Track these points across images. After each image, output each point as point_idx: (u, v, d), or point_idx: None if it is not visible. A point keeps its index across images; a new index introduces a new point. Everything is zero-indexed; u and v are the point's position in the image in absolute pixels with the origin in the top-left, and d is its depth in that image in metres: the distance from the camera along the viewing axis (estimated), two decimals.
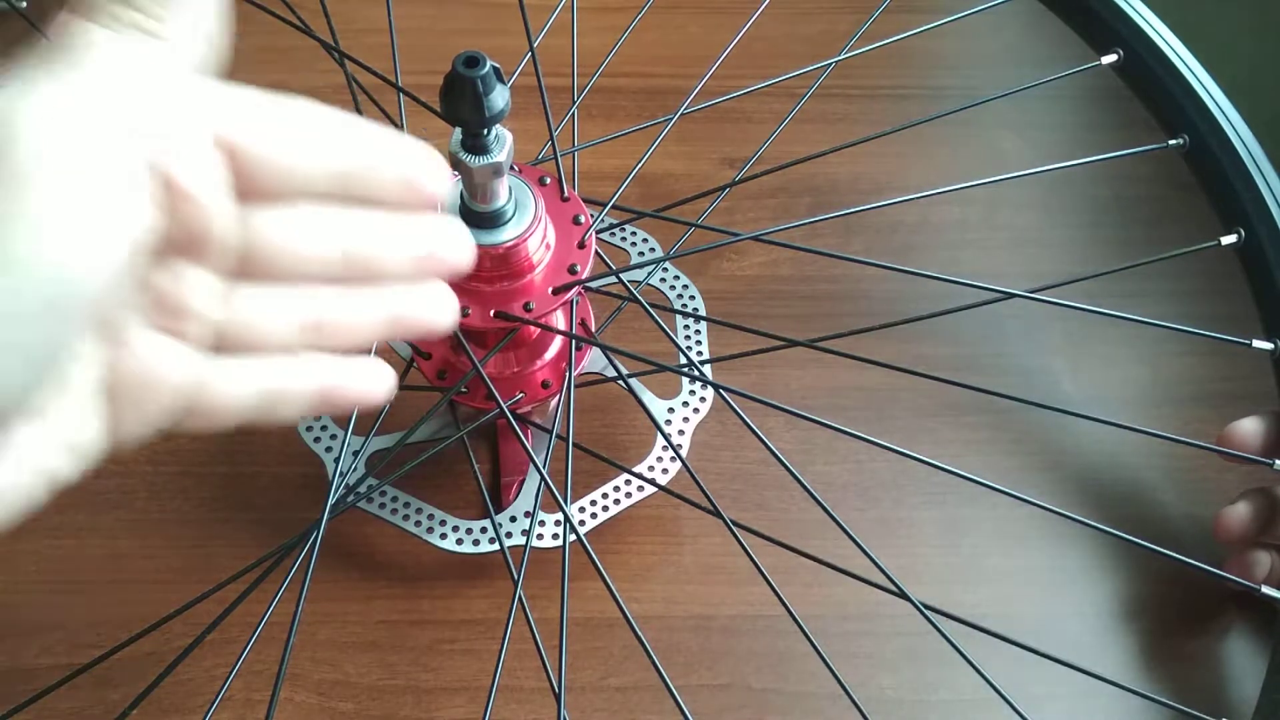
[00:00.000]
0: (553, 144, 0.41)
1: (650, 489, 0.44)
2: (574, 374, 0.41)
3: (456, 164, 0.35)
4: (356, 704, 0.43)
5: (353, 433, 0.39)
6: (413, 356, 0.43)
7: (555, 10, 0.48)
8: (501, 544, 0.41)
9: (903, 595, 0.36)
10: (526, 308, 0.38)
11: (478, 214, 0.37)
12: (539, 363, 0.43)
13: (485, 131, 0.34)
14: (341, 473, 0.42)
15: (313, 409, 0.27)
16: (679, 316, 0.49)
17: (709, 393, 0.47)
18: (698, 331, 0.49)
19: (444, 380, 0.43)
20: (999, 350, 0.54)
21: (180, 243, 0.24)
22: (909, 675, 0.44)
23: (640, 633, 0.35)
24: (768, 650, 0.45)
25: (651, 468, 0.45)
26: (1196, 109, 0.45)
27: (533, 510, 0.43)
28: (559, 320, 0.43)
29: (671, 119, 0.45)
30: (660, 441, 0.45)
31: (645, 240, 0.50)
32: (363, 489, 0.43)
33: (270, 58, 0.67)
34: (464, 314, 0.38)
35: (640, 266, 0.47)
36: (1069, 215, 0.60)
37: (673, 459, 0.45)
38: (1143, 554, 0.43)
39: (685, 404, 0.46)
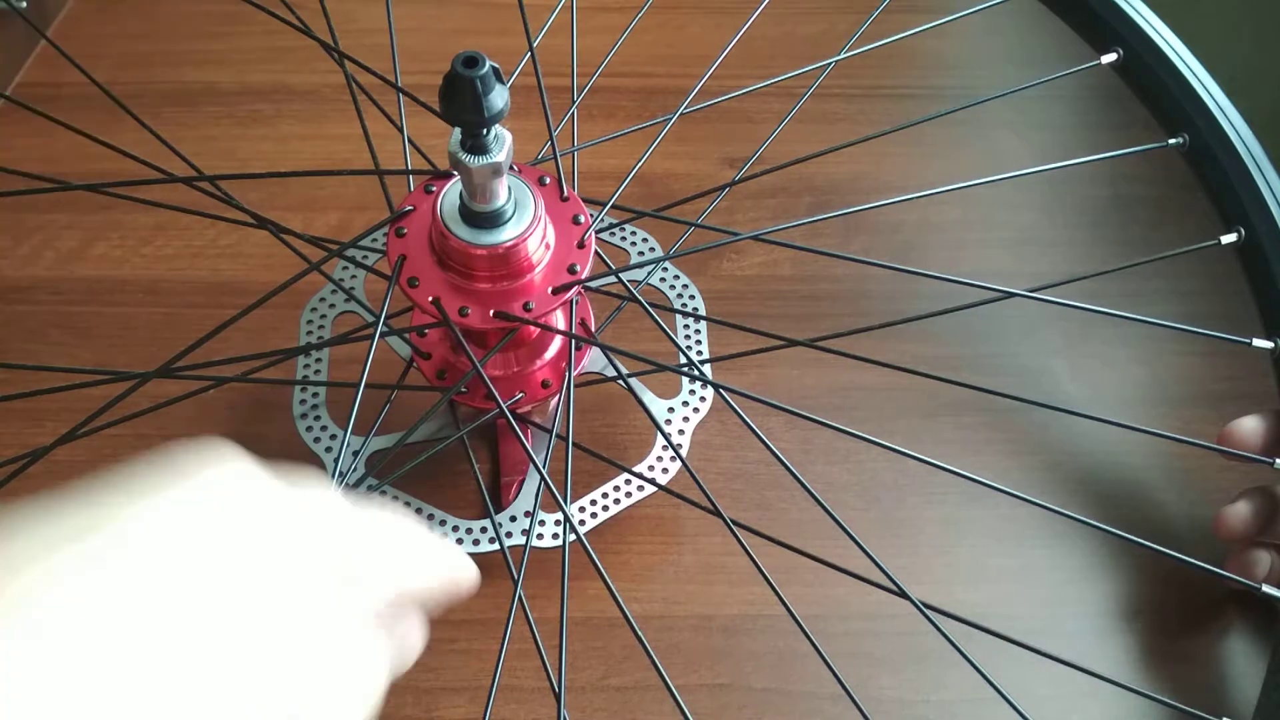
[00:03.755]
0: (552, 144, 0.41)
1: (650, 489, 0.44)
2: (574, 374, 0.41)
3: (456, 164, 0.35)
4: None
5: (352, 433, 0.39)
6: (413, 356, 0.43)
7: (555, 10, 0.48)
8: (501, 544, 0.41)
9: (903, 595, 0.36)
10: (526, 308, 0.38)
11: (477, 214, 0.37)
12: (539, 362, 0.43)
13: (484, 131, 0.34)
14: (341, 473, 0.42)
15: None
16: (679, 316, 0.49)
17: (709, 392, 0.47)
18: (698, 331, 0.49)
19: (444, 380, 0.43)
20: (999, 350, 0.54)
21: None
22: (909, 675, 0.44)
23: (640, 633, 0.35)
24: (768, 650, 0.45)
25: (651, 467, 0.45)
26: (1196, 108, 0.45)
27: (533, 510, 0.43)
28: (559, 320, 0.43)
29: (671, 119, 0.45)
30: (660, 441, 0.45)
31: (645, 240, 0.50)
32: (362, 489, 0.43)
33: (270, 57, 0.67)
34: (463, 314, 0.38)
35: (640, 266, 0.47)
36: (1069, 215, 0.60)
37: (673, 459, 0.45)
38: (1143, 553, 0.43)
39: (685, 404, 0.46)
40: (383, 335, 0.38)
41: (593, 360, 0.46)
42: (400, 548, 0.29)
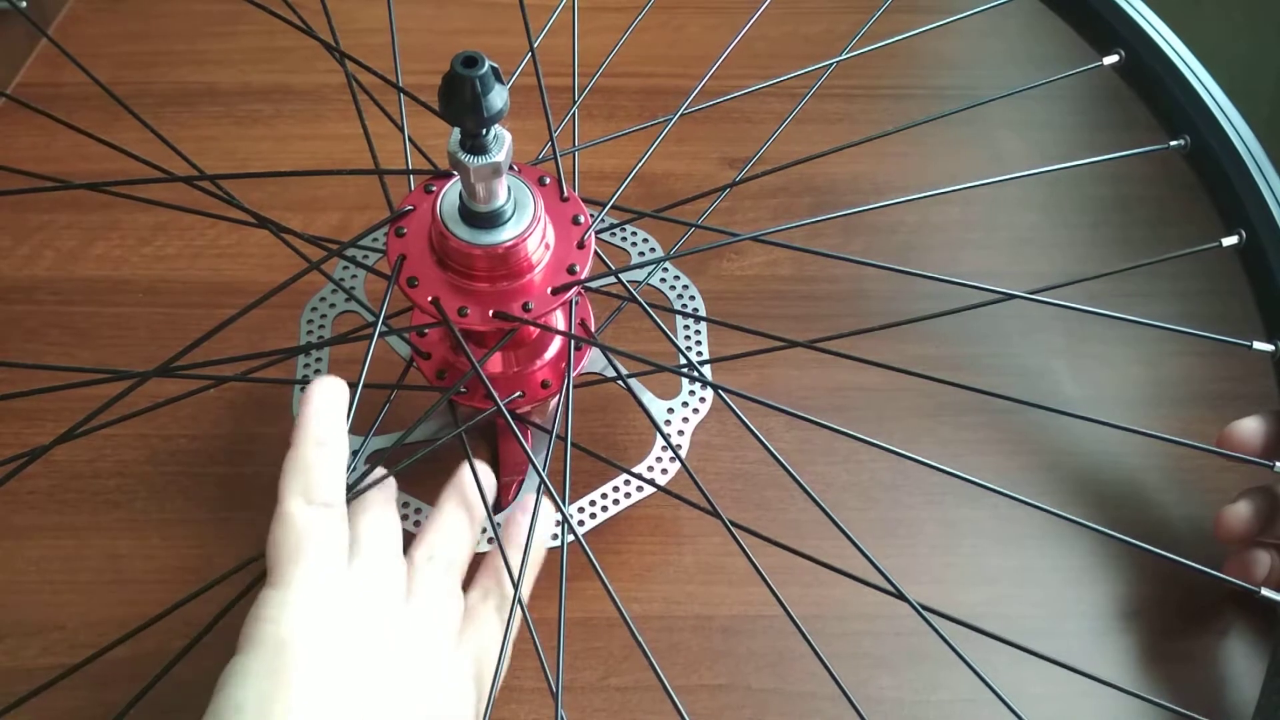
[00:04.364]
0: (552, 144, 0.41)
1: (650, 489, 0.44)
2: (573, 374, 0.41)
3: (455, 164, 0.35)
4: None
5: (351, 432, 0.39)
6: (412, 356, 0.43)
7: (556, 10, 0.48)
8: (500, 544, 0.41)
9: (900, 596, 0.36)
10: (525, 308, 0.38)
11: (476, 214, 0.37)
12: (539, 362, 0.43)
13: (484, 131, 0.34)
14: None
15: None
16: (679, 316, 0.49)
17: (709, 393, 0.46)
18: (698, 331, 0.48)
19: (443, 380, 0.43)
20: (999, 350, 0.54)
21: None
22: (909, 675, 0.44)
23: (638, 633, 0.35)
24: (768, 650, 0.45)
25: (651, 468, 0.45)
26: (1198, 110, 0.45)
27: (533, 511, 0.43)
28: (558, 320, 0.43)
29: (671, 119, 0.45)
30: (660, 441, 0.45)
31: (645, 240, 0.50)
32: (361, 488, 0.43)
33: (270, 57, 0.67)
34: (462, 314, 0.38)
35: (640, 267, 0.46)
36: (1069, 215, 0.60)
37: (672, 459, 0.45)
38: (1142, 554, 0.43)
39: (685, 404, 0.46)
40: (382, 335, 0.38)
41: (592, 360, 0.45)
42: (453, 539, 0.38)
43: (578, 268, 0.39)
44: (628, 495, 0.44)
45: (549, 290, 0.38)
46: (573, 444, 0.41)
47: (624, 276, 0.43)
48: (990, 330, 0.55)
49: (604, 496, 0.44)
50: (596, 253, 0.40)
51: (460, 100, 0.32)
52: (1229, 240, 0.44)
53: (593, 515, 0.44)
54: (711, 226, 0.47)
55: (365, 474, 0.44)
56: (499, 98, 0.33)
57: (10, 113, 0.63)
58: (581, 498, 0.44)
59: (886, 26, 0.48)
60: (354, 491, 0.43)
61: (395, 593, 0.34)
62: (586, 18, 0.49)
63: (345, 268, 0.49)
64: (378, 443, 0.45)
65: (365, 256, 0.48)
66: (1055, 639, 0.45)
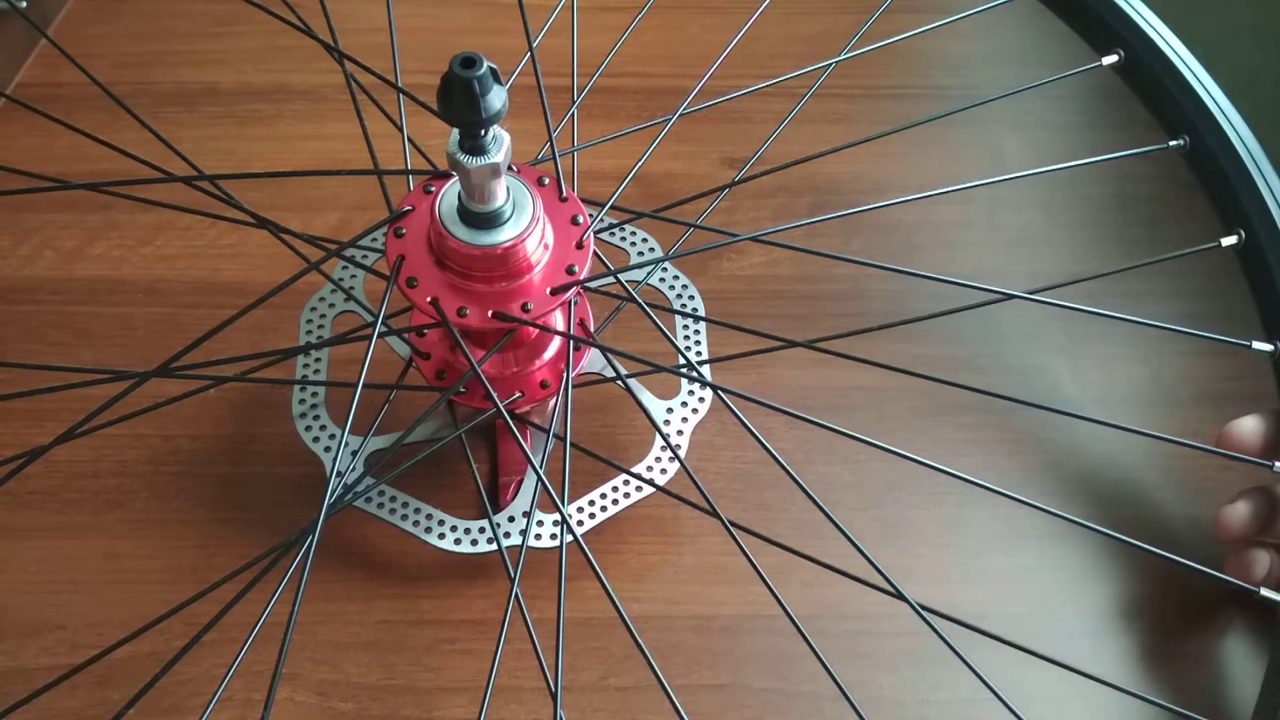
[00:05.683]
0: (551, 144, 0.41)
1: (650, 489, 0.44)
2: (572, 374, 0.41)
3: (454, 165, 0.35)
4: (356, 704, 0.43)
5: (351, 432, 0.39)
6: (411, 356, 0.43)
7: (555, 10, 0.48)
8: (499, 545, 0.41)
9: (899, 596, 0.36)
10: (524, 308, 0.38)
11: (475, 214, 0.37)
12: (538, 363, 0.43)
13: (482, 132, 0.34)
14: (339, 472, 0.42)
15: None
16: (678, 316, 0.49)
17: (709, 393, 0.46)
18: (697, 331, 0.49)
19: (442, 380, 0.43)
20: (999, 350, 0.54)
21: None
22: (909, 675, 0.44)
23: (637, 633, 0.35)
24: (768, 650, 0.45)
25: (650, 468, 0.45)
26: (1197, 110, 0.45)
27: (530, 511, 0.43)
28: (557, 321, 0.43)
29: (671, 119, 0.45)
30: (659, 441, 0.45)
31: (645, 240, 0.50)
32: (360, 488, 0.43)
33: (270, 57, 0.67)
34: (461, 314, 0.38)
35: (639, 267, 0.46)
36: (1069, 215, 0.60)
37: (671, 459, 0.45)
38: (1142, 554, 0.43)
39: (684, 404, 0.46)
40: (381, 335, 0.38)
41: (591, 361, 0.46)
42: None
43: (577, 268, 0.39)
44: (627, 495, 0.44)
45: (548, 290, 0.38)
46: (572, 444, 0.41)
47: (623, 277, 0.43)
48: (990, 330, 0.55)
49: (603, 496, 0.44)
50: (595, 253, 0.40)
51: (458, 101, 0.32)
52: (1228, 240, 0.44)
53: (592, 515, 0.44)
54: (711, 227, 0.47)
55: (364, 475, 0.44)
56: (497, 98, 0.33)
57: (10, 113, 0.63)
58: (581, 498, 0.44)
59: (886, 26, 0.48)
60: (352, 494, 0.43)
61: None
62: (586, 18, 0.49)
63: (344, 268, 0.49)
64: (377, 443, 0.45)
65: (364, 257, 0.48)
66: (1056, 638, 0.45)
